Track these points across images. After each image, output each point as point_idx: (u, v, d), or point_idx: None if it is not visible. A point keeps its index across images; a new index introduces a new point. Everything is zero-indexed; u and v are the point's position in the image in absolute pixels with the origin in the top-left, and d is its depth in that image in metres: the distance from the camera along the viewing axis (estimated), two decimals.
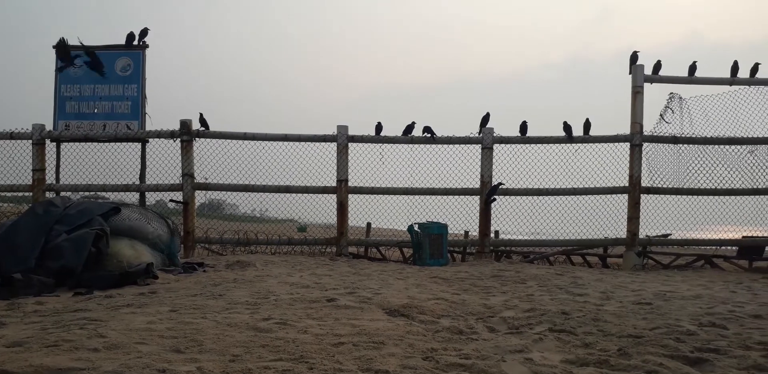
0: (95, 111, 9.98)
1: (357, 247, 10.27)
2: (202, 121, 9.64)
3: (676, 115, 9.54)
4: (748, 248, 9.58)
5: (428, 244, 8.97)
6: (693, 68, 9.48)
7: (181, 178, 9.56)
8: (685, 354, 3.12)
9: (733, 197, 9.59)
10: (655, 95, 9.63)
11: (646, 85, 9.46)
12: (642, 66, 9.46)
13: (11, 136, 9.70)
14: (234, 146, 9.71)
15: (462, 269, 7.95)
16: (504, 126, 9.80)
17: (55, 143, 9.82)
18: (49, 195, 9.53)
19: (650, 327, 3.86)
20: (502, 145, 9.68)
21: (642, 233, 9.49)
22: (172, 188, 9.62)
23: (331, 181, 9.65)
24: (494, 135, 9.61)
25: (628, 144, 9.48)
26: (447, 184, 9.75)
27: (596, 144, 9.63)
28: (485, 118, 9.75)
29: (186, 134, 9.58)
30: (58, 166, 9.81)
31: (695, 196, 9.57)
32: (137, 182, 9.78)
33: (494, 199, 9.51)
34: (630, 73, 9.55)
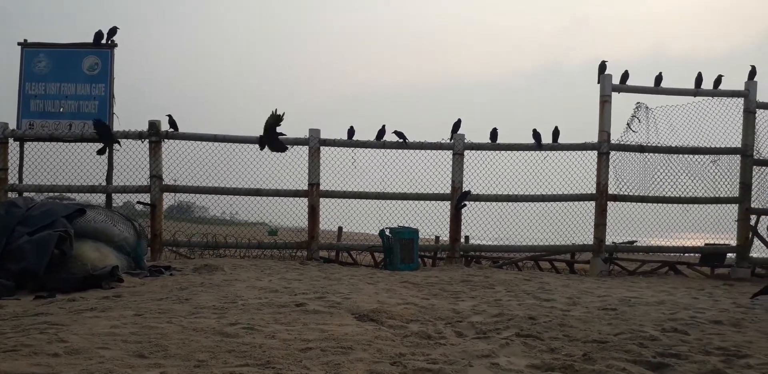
0: (61, 110, 9.76)
1: (328, 251, 10.22)
2: (172, 123, 9.50)
3: (642, 124, 9.75)
4: (711, 255, 9.84)
5: (399, 249, 8.99)
6: (659, 79, 9.70)
7: (148, 180, 9.41)
8: (648, 359, 3.18)
9: (696, 205, 9.83)
10: (622, 104, 9.83)
11: (614, 95, 9.63)
12: (610, 75, 9.64)
13: None
14: (204, 148, 9.60)
15: (432, 274, 7.99)
16: (474, 132, 9.87)
17: (18, 142, 9.58)
18: (12, 195, 9.28)
19: (615, 333, 3.93)
20: (473, 152, 9.76)
21: (608, 240, 9.65)
22: (139, 190, 9.45)
23: (303, 185, 9.61)
24: (465, 141, 9.68)
25: (595, 152, 9.64)
26: (419, 188, 9.78)
27: (565, 151, 9.78)
28: (456, 124, 9.82)
29: (155, 135, 9.43)
30: (21, 166, 9.57)
31: (660, 204, 9.78)
32: (103, 183, 9.59)
33: (464, 205, 9.58)
34: (598, 83, 9.72)
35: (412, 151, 9.78)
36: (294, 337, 3.45)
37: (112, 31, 9.85)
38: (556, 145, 9.74)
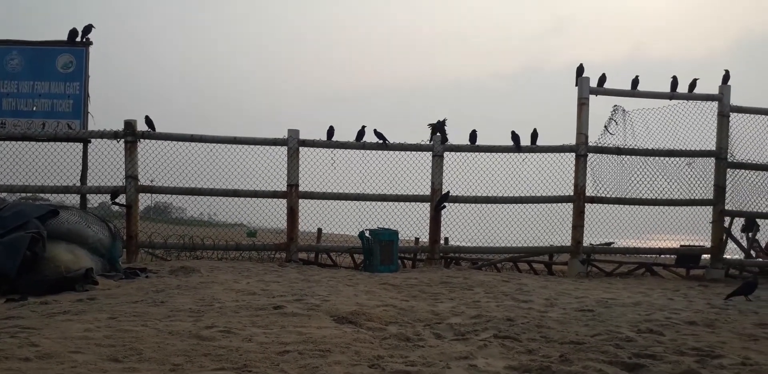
0: (34, 109, 9.58)
1: (307, 253, 10.16)
2: (149, 122, 9.38)
3: (619, 126, 9.86)
4: (686, 256, 9.97)
5: (379, 251, 8.97)
6: (635, 82, 9.82)
7: (124, 180, 9.28)
8: (624, 360, 3.21)
9: (672, 207, 9.96)
10: (600, 107, 9.93)
11: (592, 97, 9.73)
12: (588, 78, 9.74)
13: None
14: (181, 148, 9.49)
15: (412, 275, 7.98)
16: (453, 133, 9.90)
17: None
18: None
19: (591, 334, 3.96)
20: (453, 153, 9.79)
21: (586, 241, 9.74)
22: (114, 190, 9.30)
23: (282, 186, 9.55)
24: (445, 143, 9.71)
25: (573, 154, 9.72)
26: (398, 190, 9.78)
27: (543, 153, 9.86)
28: (437, 126, 9.84)
29: (130, 135, 9.30)
30: None
31: (637, 206, 9.89)
32: (78, 184, 9.43)
33: (444, 206, 9.61)
34: (576, 85, 9.81)
35: (392, 152, 9.78)
36: (271, 340, 3.42)
37: (87, 29, 9.69)
38: (534, 147, 9.81)
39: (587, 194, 9.67)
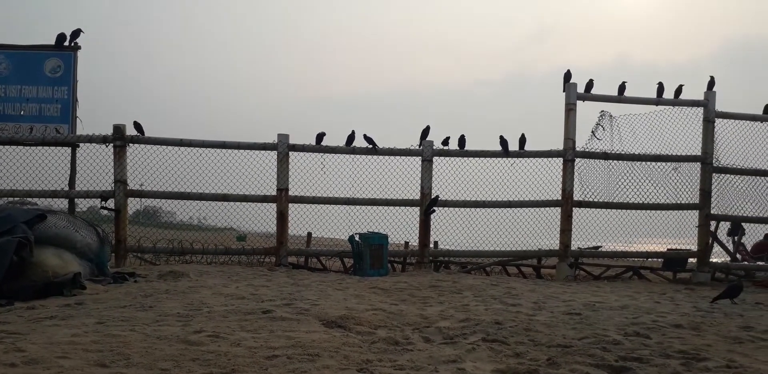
0: (21, 113, 9.51)
1: (297, 257, 10.15)
2: (138, 127, 9.35)
3: (606, 132, 9.95)
4: (673, 260, 10.07)
5: (369, 255, 8.97)
6: (622, 88, 9.92)
7: (113, 185, 9.23)
8: (610, 363, 3.24)
9: (659, 211, 10.05)
10: (587, 112, 10.01)
11: (579, 103, 9.81)
12: (575, 84, 9.82)
13: None
14: (171, 153, 9.46)
15: (401, 279, 7.99)
16: (442, 138, 9.94)
17: None
18: None
19: (579, 337, 4.00)
20: (442, 158, 9.83)
21: (574, 245, 9.80)
22: (103, 195, 9.26)
23: (272, 190, 9.54)
24: (434, 148, 9.75)
25: (561, 159, 9.79)
26: (388, 194, 9.80)
27: (531, 158, 9.92)
28: (425, 131, 9.87)
29: (119, 139, 9.26)
30: None
31: (624, 210, 9.97)
32: (66, 188, 9.37)
33: (434, 211, 9.64)
34: (564, 91, 9.89)
35: (381, 157, 9.81)
36: (260, 345, 3.42)
37: (76, 34, 9.63)
38: (522, 152, 9.87)
39: (575, 198, 9.73)
